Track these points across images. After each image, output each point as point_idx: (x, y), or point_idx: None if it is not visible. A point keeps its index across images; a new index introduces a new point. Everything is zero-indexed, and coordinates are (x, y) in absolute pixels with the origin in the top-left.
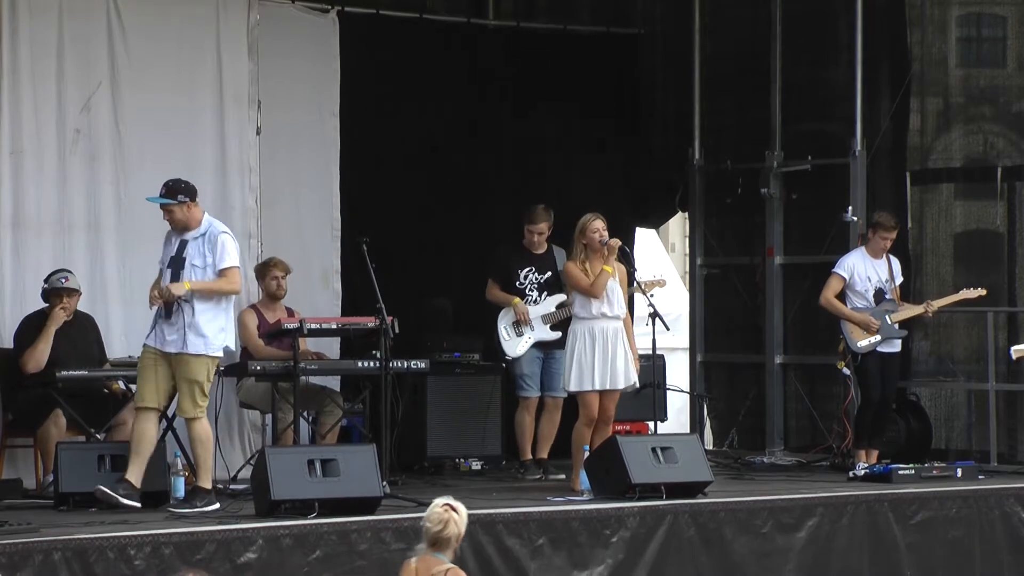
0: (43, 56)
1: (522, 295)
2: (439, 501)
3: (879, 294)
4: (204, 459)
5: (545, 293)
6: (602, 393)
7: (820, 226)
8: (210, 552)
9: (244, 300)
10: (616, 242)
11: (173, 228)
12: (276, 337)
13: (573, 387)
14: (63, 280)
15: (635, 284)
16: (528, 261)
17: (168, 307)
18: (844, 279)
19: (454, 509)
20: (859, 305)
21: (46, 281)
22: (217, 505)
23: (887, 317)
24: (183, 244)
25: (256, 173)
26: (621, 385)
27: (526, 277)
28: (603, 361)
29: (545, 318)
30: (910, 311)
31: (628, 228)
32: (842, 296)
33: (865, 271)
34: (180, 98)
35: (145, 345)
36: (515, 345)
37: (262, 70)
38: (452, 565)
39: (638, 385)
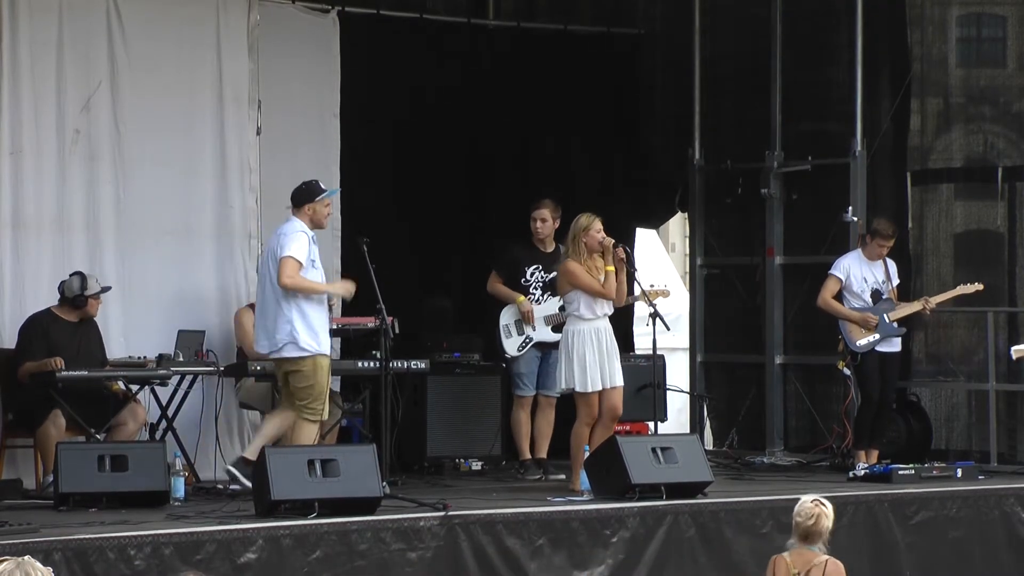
0: (43, 56)
1: (526, 293)
2: (808, 497)
3: (876, 295)
4: None
5: (548, 293)
6: (607, 391)
7: (820, 226)
8: (210, 552)
9: (244, 299)
10: (610, 240)
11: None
12: None
13: (580, 387)
14: (97, 281)
15: (640, 293)
16: (536, 259)
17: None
18: (840, 280)
19: (823, 504)
20: (856, 306)
21: (82, 288)
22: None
23: (885, 315)
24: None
25: (256, 173)
26: (620, 382)
27: (532, 275)
28: (606, 360)
29: (548, 319)
30: (908, 308)
31: (628, 228)
32: (839, 298)
33: (861, 273)
34: (180, 98)
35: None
36: (516, 344)
37: (262, 70)
38: (829, 556)
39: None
